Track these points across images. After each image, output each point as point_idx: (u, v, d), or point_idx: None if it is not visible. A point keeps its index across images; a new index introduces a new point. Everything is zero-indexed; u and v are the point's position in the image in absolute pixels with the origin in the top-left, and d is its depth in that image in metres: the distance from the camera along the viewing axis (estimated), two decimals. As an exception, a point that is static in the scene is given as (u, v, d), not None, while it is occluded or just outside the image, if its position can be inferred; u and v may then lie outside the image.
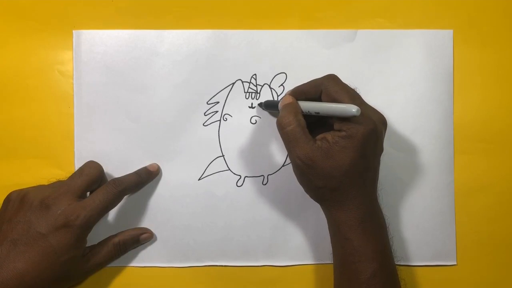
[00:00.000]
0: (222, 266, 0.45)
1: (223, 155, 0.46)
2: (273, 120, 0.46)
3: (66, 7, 0.46)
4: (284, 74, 0.46)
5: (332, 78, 0.39)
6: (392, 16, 0.46)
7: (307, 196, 0.43)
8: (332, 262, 0.40)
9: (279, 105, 0.40)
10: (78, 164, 0.45)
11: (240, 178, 0.46)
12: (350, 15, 0.46)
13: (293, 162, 0.37)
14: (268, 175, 0.46)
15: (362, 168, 0.37)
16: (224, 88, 0.46)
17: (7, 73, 0.46)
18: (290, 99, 0.39)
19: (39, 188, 0.41)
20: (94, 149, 0.45)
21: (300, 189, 0.45)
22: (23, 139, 0.45)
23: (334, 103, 0.37)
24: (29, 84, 0.46)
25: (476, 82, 0.46)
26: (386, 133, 0.39)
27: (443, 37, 0.46)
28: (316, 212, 0.45)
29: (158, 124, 0.45)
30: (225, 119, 0.46)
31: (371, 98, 0.45)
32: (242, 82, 0.46)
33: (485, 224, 0.46)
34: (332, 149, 0.36)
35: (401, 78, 0.46)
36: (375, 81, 0.46)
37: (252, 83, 0.46)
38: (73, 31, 0.45)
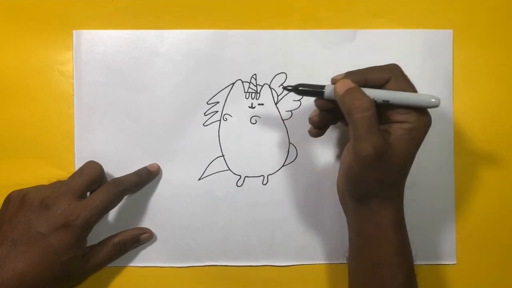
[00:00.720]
0: (222, 266, 0.45)
1: (223, 155, 0.46)
2: (274, 120, 0.45)
3: (66, 7, 0.46)
4: (284, 74, 0.46)
5: (399, 68, 0.37)
6: (392, 16, 0.46)
7: (307, 196, 0.43)
8: (347, 263, 0.39)
9: (337, 88, 0.35)
10: (78, 164, 0.45)
11: (240, 178, 0.46)
12: (350, 15, 0.46)
13: (362, 150, 0.33)
14: (268, 175, 0.46)
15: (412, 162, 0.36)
16: (224, 88, 0.46)
17: (7, 73, 0.46)
18: (352, 83, 0.35)
19: (39, 188, 0.41)
20: (94, 149, 0.45)
21: (300, 189, 0.45)
22: (23, 139, 0.45)
23: (409, 93, 0.35)
24: (29, 84, 0.46)
25: (476, 82, 0.46)
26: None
27: (443, 37, 0.46)
28: (316, 212, 0.45)
29: (158, 124, 0.45)
30: (225, 119, 0.46)
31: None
32: (242, 82, 0.46)
33: (485, 224, 0.46)
34: (396, 141, 0.34)
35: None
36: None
37: (252, 83, 0.46)
38: (73, 31, 0.45)
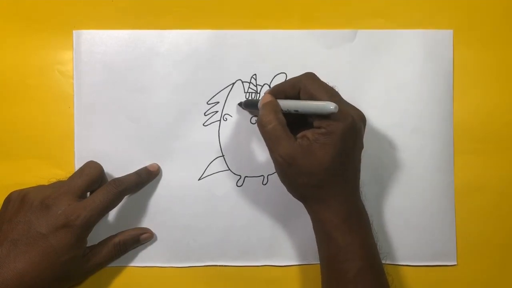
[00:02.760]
0: (222, 266, 0.45)
1: (223, 155, 0.46)
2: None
3: (66, 7, 0.46)
4: (284, 74, 0.46)
5: (310, 77, 0.39)
6: (392, 16, 0.46)
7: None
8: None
9: (259, 104, 0.40)
10: (78, 164, 0.45)
11: (240, 178, 0.46)
12: (350, 15, 0.46)
13: (274, 160, 0.37)
14: (268, 175, 0.46)
15: (343, 164, 0.37)
16: (224, 88, 0.46)
17: (7, 73, 0.46)
18: (269, 98, 0.39)
19: (40, 188, 0.41)
20: (94, 149, 0.45)
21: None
22: (23, 139, 0.46)
23: (312, 101, 0.37)
24: (29, 84, 0.46)
25: (476, 82, 0.46)
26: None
27: (443, 37, 0.46)
28: (316, 212, 0.45)
29: (158, 124, 0.45)
30: (225, 119, 0.46)
31: (371, 98, 0.46)
32: (242, 82, 0.46)
33: (485, 224, 0.46)
34: (312, 146, 0.36)
35: (401, 78, 0.46)
36: (375, 81, 0.46)
37: (252, 83, 0.46)
38: (73, 31, 0.45)
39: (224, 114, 0.46)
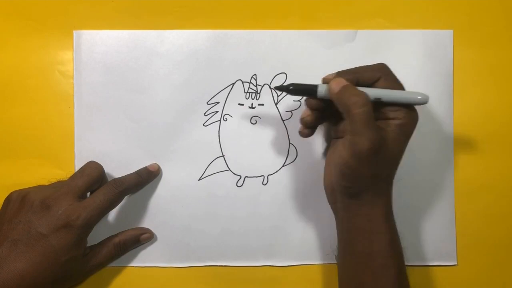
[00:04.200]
0: (222, 266, 0.45)
1: (223, 155, 0.46)
2: (274, 120, 0.45)
3: (66, 7, 0.46)
4: (284, 74, 0.46)
5: (388, 67, 0.38)
6: (392, 16, 0.46)
7: (307, 196, 0.43)
8: (336, 262, 0.40)
9: (332, 86, 0.36)
10: (78, 164, 0.45)
11: (240, 178, 0.46)
12: (350, 15, 0.46)
13: (360, 145, 0.34)
14: (268, 175, 0.46)
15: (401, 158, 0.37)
16: (224, 88, 0.46)
17: (7, 73, 0.46)
18: (346, 81, 0.36)
19: (40, 188, 0.41)
20: (94, 149, 0.45)
21: (300, 189, 0.45)
22: (23, 139, 0.46)
23: (400, 91, 0.37)
24: (29, 84, 0.46)
25: (476, 82, 0.46)
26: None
27: (443, 37, 0.46)
28: (316, 212, 0.45)
29: (158, 124, 0.45)
30: (225, 119, 0.46)
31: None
32: (242, 82, 0.46)
33: (485, 224, 0.46)
34: (389, 136, 0.35)
35: (401, 78, 0.45)
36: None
37: (252, 83, 0.46)
38: (74, 31, 0.45)
39: (224, 114, 0.46)
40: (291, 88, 0.38)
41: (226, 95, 0.46)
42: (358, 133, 0.34)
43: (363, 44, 0.46)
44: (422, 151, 0.45)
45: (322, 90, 0.37)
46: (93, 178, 0.41)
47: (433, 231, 0.45)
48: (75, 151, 0.45)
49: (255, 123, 0.46)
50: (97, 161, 0.44)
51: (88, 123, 0.45)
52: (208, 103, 0.46)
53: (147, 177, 0.44)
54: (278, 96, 0.46)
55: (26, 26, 0.46)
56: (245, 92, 0.46)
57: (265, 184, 0.46)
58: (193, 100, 0.45)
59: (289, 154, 0.46)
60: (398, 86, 0.37)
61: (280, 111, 0.46)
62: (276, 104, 0.46)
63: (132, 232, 0.44)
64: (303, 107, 0.45)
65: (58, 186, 0.41)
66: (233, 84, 0.46)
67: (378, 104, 0.36)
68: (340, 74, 0.37)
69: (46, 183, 0.42)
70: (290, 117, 0.46)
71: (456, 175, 0.46)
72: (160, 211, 0.45)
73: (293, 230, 0.45)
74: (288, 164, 0.46)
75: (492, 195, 0.46)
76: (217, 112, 0.46)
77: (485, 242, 0.46)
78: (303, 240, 0.45)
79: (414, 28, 0.46)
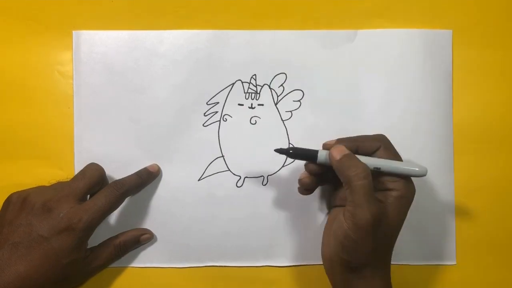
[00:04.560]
0: (222, 266, 0.45)
1: (223, 156, 0.46)
2: (274, 120, 0.45)
3: (66, 8, 0.46)
4: (284, 74, 0.46)
5: (387, 138, 0.39)
6: (392, 16, 0.46)
7: (307, 196, 0.43)
8: None
9: (333, 153, 0.36)
10: (78, 165, 0.45)
11: (240, 178, 0.46)
12: (350, 15, 0.46)
13: (361, 219, 0.33)
14: (268, 175, 0.46)
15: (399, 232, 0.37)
16: (224, 89, 0.46)
17: (7, 73, 0.46)
18: (347, 150, 0.36)
19: (40, 190, 0.41)
20: (93, 149, 0.45)
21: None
22: (23, 139, 0.45)
23: (400, 162, 0.37)
24: (29, 84, 0.46)
25: (475, 82, 0.46)
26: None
27: (443, 37, 0.46)
28: (316, 213, 0.45)
29: (158, 124, 0.45)
30: (225, 120, 0.46)
31: (371, 99, 0.46)
32: (242, 82, 0.46)
33: (485, 224, 0.46)
34: (388, 209, 0.35)
35: (401, 78, 0.46)
36: (375, 81, 0.46)
37: (252, 83, 0.46)
38: (73, 31, 0.45)
39: (224, 115, 0.46)
40: (291, 152, 0.39)
41: (226, 95, 0.46)
42: (359, 206, 0.34)
43: (363, 44, 0.46)
44: (422, 151, 0.45)
45: (322, 156, 0.38)
46: (94, 180, 0.41)
47: (432, 231, 0.46)
48: (74, 151, 0.45)
49: (255, 123, 0.46)
50: (96, 161, 0.44)
51: (88, 124, 0.45)
52: (208, 103, 0.46)
53: (147, 178, 0.44)
54: (278, 96, 0.46)
55: (26, 26, 0.46)
56: (245, 92, 0.46)
57: (265, 184, 0.46)
58: (193, 100, 0.45)
59: (289, 154, 0.46)
60: (397, 157, 0.37)
61: (280, 111, 0.46)
62: (276, 104, 0.46)
63: (132, 233, 0.44)
64: (303, 107, 0.45)
65: (58, 188, 0.41)
66: (233, 84, 0.46)
67: (377, 174, 0.36)
68: (340, 141, 0.38)
69: (46, 184, 0.42)
70: (290, 117, 0.46)
71: (456, 175, 0.46)
72: (160, 211, 0.45)
73: (293, 230, 0.45)
74: (288, 164, 0.46)
75: (492, 195, 0.46)
76: (216, 112, 0.46)
77: (484, 242, 0.46)
78: (303, 240, 0.45)
79: (414, 28, 0.46)
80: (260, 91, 0.46)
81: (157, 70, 0.45)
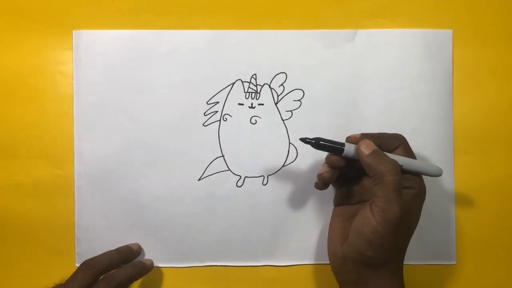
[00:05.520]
0: (222, 266, 0.45)
1: (223, 155, 0.46)
2: (274, 120, 0.45)
3: (66, 7, 0.46)
4: (284, 74, 0.46)
5: (405, 138, 0.39)
6: (392, 15, 0.46)
7: (307, 196, 0.43)
8: None
9: (362, 148, 0.36)
10: (77, 164, 0.45)
11: (240, 178, 0.46)
12: (350, 15, 0.46)
13: (392, 213, 0.34)
14: (268, 175, 0.46)
15: None
16: (224, 88, 0.46)
17: (7, 73, 0.46)
18: (374, 145, 0.36)
19: None
20: (93, 149, 0.45)
21: (300, 189, 0.45)
22: (23, 139, 0.45)
23: (421, 161, 0.38)
24: (29, 84, 0.46)
25: (475, 82, 0.46)
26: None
27: (443, 37, 0.46)
28: (316, 213, 0.45)
29: (158, 124, 0.45)
30: (225, 119, 0.46)
31: (371, 98, 0.46)
32: (242, 82, 0.46)
33: (485, 224, 0.46)
34: (408, 205, 0.35)
35: (401, 78, 0.46)
36: (375, 81, 0.46)
37: (252, 83, 0.46)
38: (73, 31, 0.45)
39: (224, 114, 0.46)
40: (317, 142, 0.37)
41: (226, 95, 0.46)
42: (390, 200, 0.34)
43: (363, 44, 0.46)
44: (422, 151, 0.45)
45: (350, 149, 0.37)
46: (86, 283, 0.39)
47: (432, 231, 0.46)
48: (74, 151, 0.45)
49: (255, 123, 0.46)
50: (96, 161, 0.44)
51: (88, 123, 0.45)
52: (208, 103, 0.46)
53: (142, 270, 0.43)
54: (278, 96, 0.46)
55: (26, 26, 0.46)
56: (245, 92, 0.46)
57: (265, 184, 0.46)
58: (193, 100, 0.45)
59: (289, 154, 0.46)
60: (414, 157, 0.38)
61: (280, 111, 0.46)
62: (276, 104, 0.46)
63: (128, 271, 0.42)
64: (303, 107, 0.45)
65: None
66: (233, 84, 0.46)
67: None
68: (365, 136, 0.38)
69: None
70: (290, 117, 0.46)
71: (456, 175, 0.46)
72: (160, 211, 0.45)
73: (293, 230, 0.45)
74: (288, 164, 0.46)
75: (492, 195, 0.46)
76: (216, 112, 0.46)
77: (484, 241, 0.46)
78: (303, 240, 0.45)
79: (414, 28, 0.46)
80: (260, 91, 0.46)
81: (157, 70, 0.45)
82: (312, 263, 0.45)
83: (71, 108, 0.45)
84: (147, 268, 0.44)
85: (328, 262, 0.45)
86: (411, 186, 0.37)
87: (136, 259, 0.45)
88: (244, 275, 0.45)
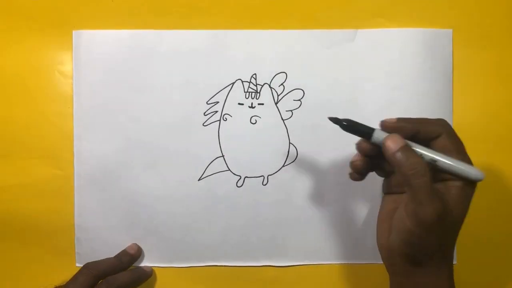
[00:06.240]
0: (222, 266, 0.45)
1: (223, 155, 0.46)
2: (274, 120, 0.45)
3: (66, 7, 0.46)
4: (284, 74, 0.46)
5: (450, 125, 0.35)
6: (392, 15, 0.46)
7: (307, 196, 0.43)
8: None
9: (388, 144, 0.33)
10: (77, 164, 0.45)
11: (240, 178, 0.46)
12: (350, 15, 0.46)
13: (425, 216, 0.31)
14: (268, 175, 0.46)
15: None
16: (224, 88, 0.46)
17: (7, 73, 0.46)
18: (403, 141, 0.33)
19: None
20: (93, 149, 0.45)
21: (300, 189, 0.45)
22: (23, 139, 0.45)
23: (461, 162, 0.33)
24: (29, 84, 0.46)
25: (475, 82, 0.46)
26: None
27: (443, 36, 0.46)
28: (316, 213, 0.45)
29: (157, 124, 0.45)
30: (225, 119, 0.46)
31: (371, 98, 0.46)
32: (242, 82, 0.46)
33: (485, 224, 0.46)
34: (452, 201, 0.33)
35: (401, 78, 0.46)
36: (375, 81, 0.46)
37: (252, 83, 0.46)
38: (73, 31, 0.45)
39: (224, 114, 0.46)
40: (345, 123, 0.34)
41: (226, 95, 0.46)
42: (421, 203, 0.31)
43: (363, 43, 0.46)
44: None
45: (378, 136, 0.34)
46: (86, 285, 0.40)
47: (433, 231, 0.45)
48: (74, 151, 0.45)
49: (255, 123, 0.46)
50: (96, 161, 0.44)
51: (88, 123, 0.45)
52: (208, 102, 0.46)
53: (142, 276, 0.44)
54: (278, 95, 0.46)
55: (26, 26, 0.46)
56: (245, 92, 0.46)
57: (265, 184, 0.46)
58: (193, 100, 0.45)
59: (289, 154, 0.46)
60: (460, 147, 0.34)
61: (280, 111, 0.46)
62: (276, 103, 0.46)
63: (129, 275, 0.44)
64: (303, 107, 0.45)
65: None
66: (233, 83, 0.46)
67: (432, 166, 0.33)
68: (401, 121, 0.34)
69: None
70: (290, 117, 0.46)
71: (456, 175, 0.46)
72: (160, 211, 0.45)
73: (293, 230, 0.45)
74: (288, 164, 0.46)
75: (492, 195, 0.46)
76: (216, 111, 0.46)
77: (485, 242, 0.46)
78: (303, 240, 0.45)
79: (414, 28, 0.46)
80: (260, 91, 0.46)
81: (157, 70, 0.45)
82: (312, 263, 0.45)
83: (71, 108, 0.45)
84: (147, 275, 0.45)
85: (328, 263, 0.45)
86: (454, 178, 0.33)
87: (136, 262, 0.45)
88: (244, 275, 0.45)
